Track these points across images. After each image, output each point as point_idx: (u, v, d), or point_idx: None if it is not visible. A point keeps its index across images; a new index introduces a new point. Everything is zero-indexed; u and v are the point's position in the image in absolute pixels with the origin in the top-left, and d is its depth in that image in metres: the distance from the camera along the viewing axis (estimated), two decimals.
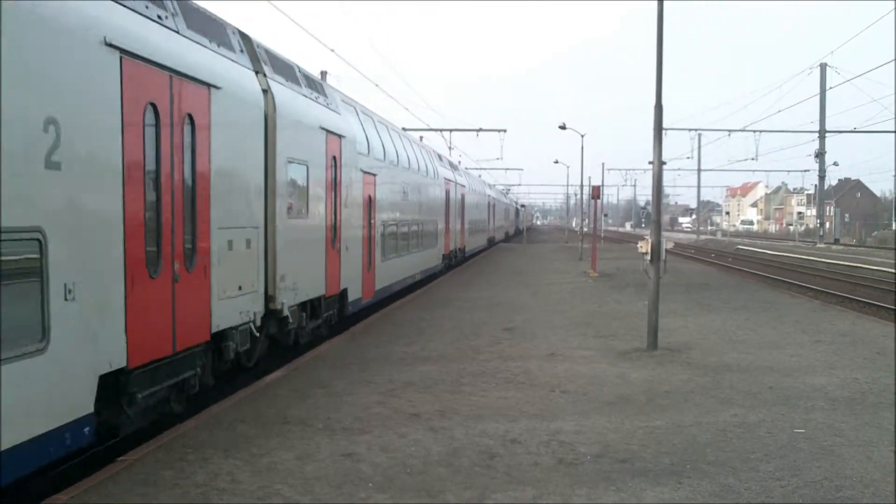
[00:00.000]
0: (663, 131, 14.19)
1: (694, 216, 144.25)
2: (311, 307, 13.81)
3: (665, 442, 8.19)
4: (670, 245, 14.84)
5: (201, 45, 9.61)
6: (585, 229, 51.43)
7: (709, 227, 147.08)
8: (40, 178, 6.31)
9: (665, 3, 13.57)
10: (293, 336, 13.09)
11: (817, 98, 63.61)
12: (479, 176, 63.11)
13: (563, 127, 43.41)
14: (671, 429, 8.67)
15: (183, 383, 9.16)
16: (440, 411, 9.40)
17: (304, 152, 13.07)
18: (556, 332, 15.77)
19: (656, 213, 14.55)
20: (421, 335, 15.29)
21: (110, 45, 7.30)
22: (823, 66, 62.08)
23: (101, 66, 7.22)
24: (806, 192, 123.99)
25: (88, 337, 6.99)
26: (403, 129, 23.87)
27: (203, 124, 9.38)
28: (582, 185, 58.14)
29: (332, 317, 15.40)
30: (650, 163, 15.51)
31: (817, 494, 6.74)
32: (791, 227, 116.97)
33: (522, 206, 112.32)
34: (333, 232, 14.88)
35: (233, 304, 10.23)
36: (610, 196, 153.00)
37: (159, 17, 8.55)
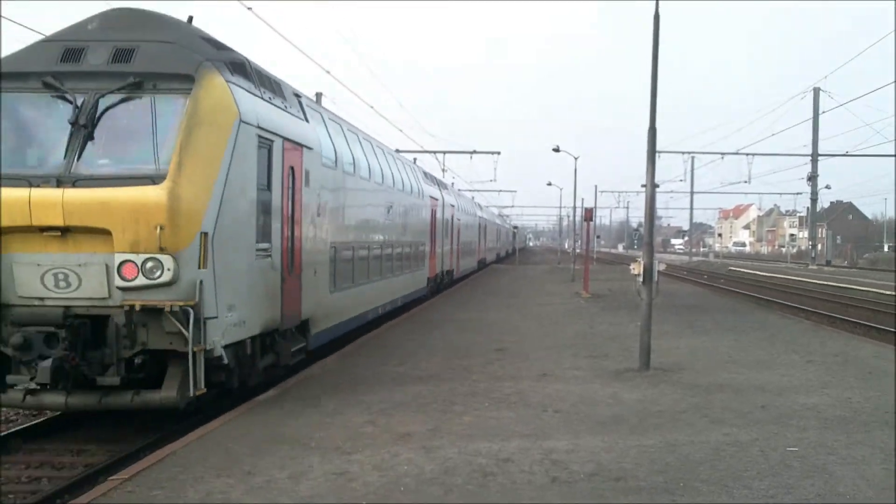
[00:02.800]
0: (657, 154, 14.28)
1: (686, 238, 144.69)
2: (445, 273, 32.83)
3: (658, 461, 8.19)
4: (662, 267, 14.89)
5: (430, 183, 29.79)
6: (578, 250, 51.49)
7: (701, 249, 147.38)
8: (427, 232, 28.10)
9: (661, 19, 13.72)
10: (441, 284, 32.10)
11: (810, 122, 64.10)
12: (473, 198, 63.58)
13: (556, 149, 43.72)
14: (664, 448, 8.68)
15: (436, 286, 30.56)
16: (433, 431, 9.39)
17: (447, 214, 32.12)
18: (549, 353, 15.76)
19: (649, 235, 14.62)
20: (412, 356, 15.25)
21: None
22: (816, 91, 62.56)
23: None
24: (798, 214, 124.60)
25: (425, 267, 27.23)
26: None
27: (435, 217, 29.39)
28: (575, 207, 58.35)
29: (448, 281, 34.29)
30: (643, 185, 15.59)
31: None
32: (783, 249, 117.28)
33: (516, 227, 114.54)
34: (448, 245, 33.35)
35: (438, 266, 30.18)
36: (603, 217, 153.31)
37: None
